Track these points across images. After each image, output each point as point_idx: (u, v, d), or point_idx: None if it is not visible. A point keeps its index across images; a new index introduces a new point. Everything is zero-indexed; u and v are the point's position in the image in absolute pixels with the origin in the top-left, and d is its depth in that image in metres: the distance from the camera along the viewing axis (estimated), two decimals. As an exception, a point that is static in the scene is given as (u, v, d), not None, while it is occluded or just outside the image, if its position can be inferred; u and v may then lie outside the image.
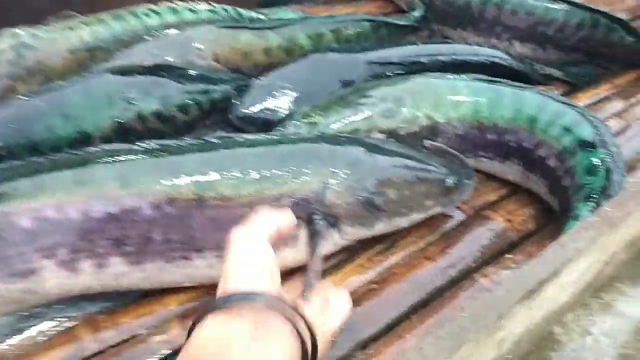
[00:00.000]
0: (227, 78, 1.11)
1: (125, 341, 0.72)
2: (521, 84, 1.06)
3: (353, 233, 0.82)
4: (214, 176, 0.72)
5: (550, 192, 0.97)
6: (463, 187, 0.90)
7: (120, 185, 0.69)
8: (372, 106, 1.00)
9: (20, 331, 0.71)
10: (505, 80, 1.06)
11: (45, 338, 0.71)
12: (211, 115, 1.07)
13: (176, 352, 0.70)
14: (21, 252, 0.67)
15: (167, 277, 0.75)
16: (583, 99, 1.35)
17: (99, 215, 0.68)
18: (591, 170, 0.87)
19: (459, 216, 0.97)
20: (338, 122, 0.98)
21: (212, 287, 0.71)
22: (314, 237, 0.75)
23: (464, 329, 0.56)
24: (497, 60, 1.30)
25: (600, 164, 0.88)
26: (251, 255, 0.55)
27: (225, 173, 0.73)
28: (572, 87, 1.40)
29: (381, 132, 1.00)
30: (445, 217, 0.95)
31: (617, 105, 1.35)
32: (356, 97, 1.02)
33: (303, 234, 0.76)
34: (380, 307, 0.78)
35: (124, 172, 0.71)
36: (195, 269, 0.74)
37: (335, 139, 0.86)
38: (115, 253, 0.70)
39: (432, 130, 1.02)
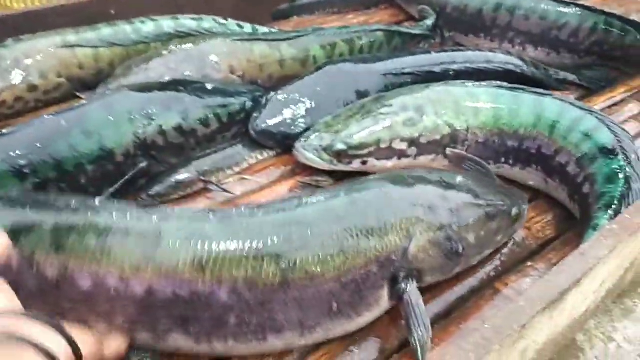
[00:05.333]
0: (244, 90, 1.12)
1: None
2: (540, 90, 1.06)
3: (432, 281, 0.79)
4: (299, 251, 0.66)
5: (570, 199, 0.97)
6: (523, 214, 0.88)
7: (192, 263, 0.63)
8: (393, 115, 1.01)
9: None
10: (524, 87, 1.07)
11: None
12: (231, 128, 1.08)
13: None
14: (76, 308, 0.63)
15: (237, 351, 0.69)
16: (599, 103, 1.34)
17: (164, 295, 0.63)
18: (611, 178, 0.87)
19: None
20: (360, 132, 1.00)
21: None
22: (407, 300, 0.71)
23: (488, 341, 0.56)
24: (511, 67, 1.30)
25: (619, 171, 0.87)
26: None
27: (307, 248, 0.66)
28: (588, 91, 1.40)
29: (403, 141, 1.01)
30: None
31: (634, 108, 1.34)
32: (377, 107, 1.03)
33: (386, 292, 0.72)
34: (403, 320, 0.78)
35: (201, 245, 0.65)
36: (269, 347, 0.69)
37: (401, 180, 0.79)
38: (179, 331, 0.65)
39: (454, 138, 1.03)
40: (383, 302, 0.73)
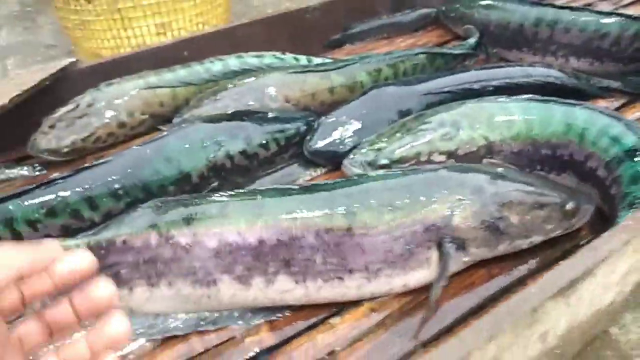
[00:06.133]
0: (298, 116, 1.27)
1: (225, 341, 0.87)
2: (571, 101, 1.12)
3: (478, 254, 0.91)
4: (359, 208, 0.86)
5: (603, 201, 1.02)
6: (583, 211, 0.95)
7: (287, 218, 0.85)
8: (431, 131, 1.11)
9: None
10: (555, 98, 1.14)
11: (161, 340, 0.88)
12: (288, 150, 1.23)
13: (263, 350, 0.85)
14: (206, 266, 0.85)
15: (324, 294, 0.88)
16: (643, 108, 1.37)
17: (271, 242, 0.84)
18: (635, 179, 0.93)
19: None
20: (401, 147, 1.11)
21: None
22: (444, 258, 0.87)
23: (500, 321, 0.66)
24: (551, 79, 1.36)
25: (643, 172, 0.93)
26: None
27: (367, 204, 0.86)
28: (634, 97, 1.42)
29: (441, 154, 1.10)
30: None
31: (681, 111, 1.36)
32: (416, 124, 1.14)
33: (435, 255, 0.88)
34: (439, 312, 0.88)
35: (291, 207, 0.86)
36: (347, 289, 0.88)
37: (458, 168, 0.95)
38: (284, 272, 0.85)
39: (489, 149, 1.11)
40: (433, 263, 0.88)
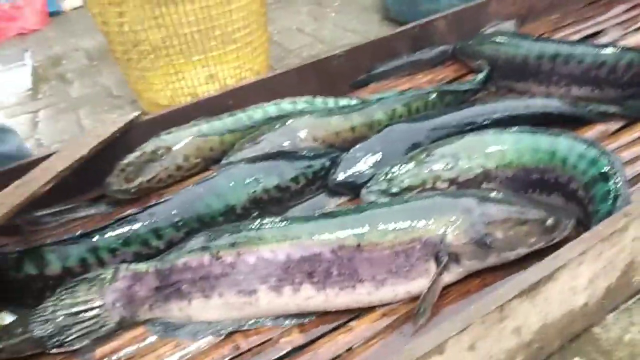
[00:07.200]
0: (323, 153, 1.49)
1: (264, 342, 1.08)
2: (556, 130, 1.29)
3: (470, 265, 1.09)
4: (367, 229, 1.06)
5: (584, 218, 1.18)
6: (563, 226, 1.10)
7: (309, 238, 1.06)
8: (435, 162, 1.31)
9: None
10: (542, 128, 1.31)
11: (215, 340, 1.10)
12: (315, 183, 1.45)
13: (295, 348, 1.05)
14: (247, 278, 1.07)
15: (340, 300, 1.08)
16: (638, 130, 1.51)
17: (296, 257, 1.06)
18: (604, 198, 1.09)
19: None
20: (410, 177, 1.30)
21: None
22: (439, 269, 1.05)
23: (471, 316, 0.84)
24: (550, 109, 1.53)
25: (610, 192, 1.09)
26: None
27: (373, 226, 1.06)
28: (631, 120, 1.55)
29: (444, 181, 1.29)
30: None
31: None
32: (422, 156, 1.33)
33: (433, 267, 1.06)
34: (439, 316, 1.06)
35: (312, 229, 1.08)
36: (359, 295, 1.07)
37: (451, 194, 1.15)
38: (307, 281, 1.06)
39: (486, 176, 1.29)
40: (431, 273, 1.06)
